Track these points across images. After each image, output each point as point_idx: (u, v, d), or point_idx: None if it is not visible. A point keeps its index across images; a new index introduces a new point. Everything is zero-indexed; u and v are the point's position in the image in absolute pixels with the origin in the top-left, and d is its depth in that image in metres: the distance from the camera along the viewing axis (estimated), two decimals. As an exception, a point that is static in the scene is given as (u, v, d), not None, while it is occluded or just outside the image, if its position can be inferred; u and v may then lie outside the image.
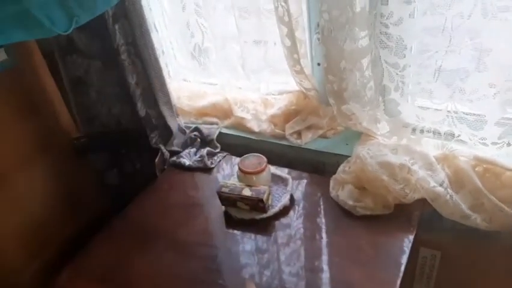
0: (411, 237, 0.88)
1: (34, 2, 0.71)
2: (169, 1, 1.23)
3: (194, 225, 1.02)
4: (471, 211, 0.86)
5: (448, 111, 0.90)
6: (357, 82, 0.95)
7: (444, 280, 1.16)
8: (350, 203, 0.96)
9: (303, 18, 1.00)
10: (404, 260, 0.84)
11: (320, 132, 1.15)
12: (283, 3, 0.94)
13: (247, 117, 1.23)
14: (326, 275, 0.85)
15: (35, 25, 0.77)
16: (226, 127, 1.29)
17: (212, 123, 1.31)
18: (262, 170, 1.02)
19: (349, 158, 1.04)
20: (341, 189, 1.00)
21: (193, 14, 1.18)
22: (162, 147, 1.26)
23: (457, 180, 0.91)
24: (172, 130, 1.26)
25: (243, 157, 1.07)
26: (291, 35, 0.99)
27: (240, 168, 1.04)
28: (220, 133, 1.29)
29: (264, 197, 0.97)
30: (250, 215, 1.00)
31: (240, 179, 1.05)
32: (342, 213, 0.97)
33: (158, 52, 1.17)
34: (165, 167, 1.26)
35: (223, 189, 1.01)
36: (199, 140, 1.29)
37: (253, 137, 1.22)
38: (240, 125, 1.25)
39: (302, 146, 1.14)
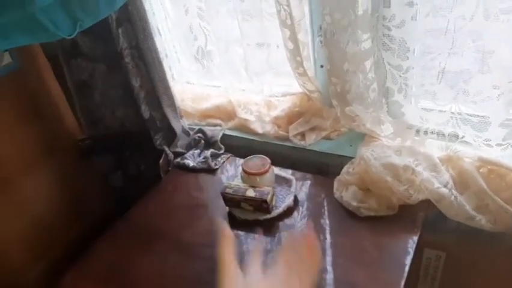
0: (416, 238, 0.88)
1: (38, 7, 0.72)
2: (172, 5, 1.23)
3: (198, 226, 1.03)
4: (476, 212, 0.86)
5: (452, 113, 0.90)
6: (360, 84, 0.95)
7: (448, 281, 1.16)
8: (354, 204, 0.96)
9: (306, 21, 1.00)
10: (408, 261, 0.84)
11: (324, 133, 1.15)
12: (285, 7, 0.94)
13: (251, 119, 1.23)
14: (329, 276, 0.85)
15: (39, 29, 0.78)
16: (230, 129, 1.30)
17: (216, 125, 1.32)
18: (266, 171, 1.03)
19: (353, 160, 1.04)
20: (345, 191, 1.00)
21: (196, 17, 1.18)
22: (166, 149, 1.27)
23: (462, 182, 0.91)
24: (176, 132, 1.26)
25: (247, 158, 1.07)
26: (293, 37, 0.99)
27: (243, 170, 1.04)
28: (223, 135, 1.29)
29: (268, 198, 0.97)
30: (254, 216, 1.00)
31: (243, 180, 1.06)
32: (346, 214, 0.97)
33: (162, 55, 1.17)
34: (169, 168, 1.27)
35: (227, 190, 1.02)
36: (203, 141, 1.30)
37: (256, 139, 1.23)
38: (243, 127, 1.26)
39: (306, 148, 1.14)
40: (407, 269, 0.82)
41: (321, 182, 1.09)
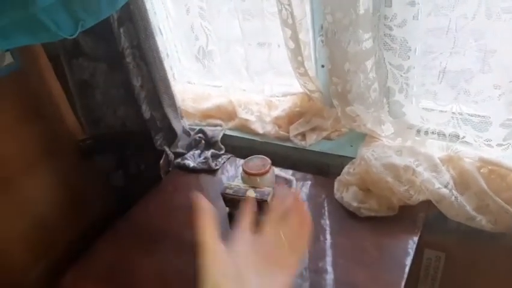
0: (416, 238, 0.88)
1: (40, 7, 0.72)
2: (174, 4, 1.23)
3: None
4: (476, 213, 0.86)
5: (453, 113, 0.90)
6: (361, 84, 0.95)
7: (449, 282, 1.16)
8: (355, 204, 0.96)
9: (307, 21, 1.00)
10: (408, 261, 0.84)
11: (324, 133, 1.15)
12: (287, 6, 0.94)
13: (252, 119, 1.23)
14: (330, 276, 0.85)
15: (41, 29, 0.78)
16: (231, 129, 1.30)
17: (216, 125, 1.32)
18: (267, 172, 1.03)
19: (353, 160, 1.04)
20: (346, 191, 1.00)
21: (197, 17, 1.18)
22: (167, 149, 1.27)
23: (462, 182, 0.90)
24: (177, 132, 1.26)
25: (247, 159, 1.07)
26: (294, 37, 0.99)
27: (244, 170, 1.04)
28: (224, 135, 1.29)
29: (269, 199, 0.97)
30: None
31: (244, 180, 1.05)
32: (346, 215, 0.97)
33: (163, 55, 1.17)
34: (170, 168, 1.27)
35: (228, 191, 1.01)
36: (203, 141, 1.30)
37: (257, 139, 1.23)
38: (244, 127, 1.26)
39: (306, 148, 1.14)
40: (407, 269, 0.82)
41: (321, 183, 1.09)
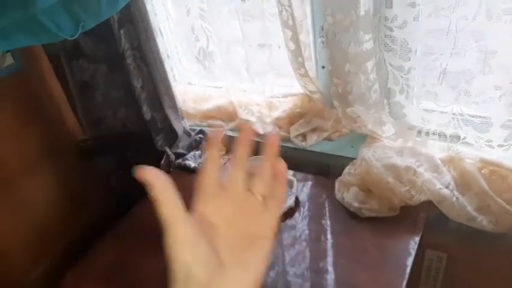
0: (417, 239, 0.88)
1: (41, 8, 0.72)
2: (174, 6, 1.23)
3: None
4: (477, 213, 0.86)
5: (454, 114, 0.90)
6: (361, 85, 0.95)
7: (450, 282, 1.16)
8: (355, 205, 0.96)
9: (307, 22, 1.00)
10: (409, 262, 0.84)
11: (325, 134, 1.15)
12: (287, 7, 0.94)
13: (252, 120, 1.23)
14: (331, 277, 0.85)
15: (41, 30, 0.78)
16: (231, 130, 1.30)
17: (217, 126, 1.32)
18: (267, 173, 1.03)
19: (354, 160, 1.04)
20: (346, 191, 1.00)
21: (197, 18, 1.18)
22: (167, 150, 1.27)
23: (463, 183, 0.90)
24: (178, 133, 1.26)
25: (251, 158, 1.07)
26: (295, 38, 0.99)
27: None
28: (225, 136, 1.29)
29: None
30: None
31: (245, 181, 1.05)
32: (347, 215, 0.97)
33: (164, 56, 1.17)
34: (171, 169, 1.27)
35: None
36: (204, 142, 1.30)
37: (258, 140, 1.22)
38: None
39: (307, 149, 1.14)
40: (408, 270, 0.82)
41: (322, 183, 1.09)
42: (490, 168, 0.90)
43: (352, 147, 1.11)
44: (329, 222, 0.98)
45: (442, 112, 0.92)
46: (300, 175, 1.12)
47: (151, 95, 1.21)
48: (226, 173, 0.40)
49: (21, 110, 1.14)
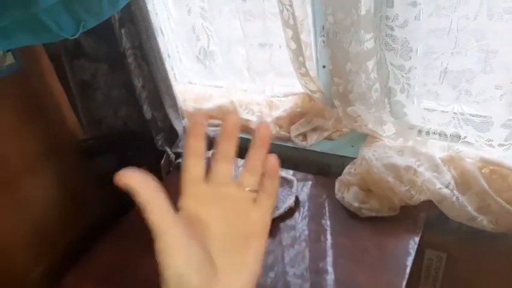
0: (417, 239, 0.88)
1: (42, 7, 0.72)
2: (175, 5, 1.23)
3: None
4: (477, 213, 0.86)
5: (454, 113, 0.90)
6: (362, 84, 0.95)
7: (450, 282, 1.16)
8: (356, 204, 0.96)
9: (308, 21, 1.00)
10: (409, 261, 0.84)
11: (325, 134, 1.15)
12: (288, 7, 0.94)
13: (253, 119, 1.23)
14: (330, 277, 0.85)
15: (42, 29, 0.78)
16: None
17: (217, 126, 1.32)
18: (268, 172, 1.03)
19: (354, 160, 1.04)
20: (347, 191, 1.00)
21: (198, 17, 1.18)
22: (168, 150, 1.27)
23: (463, 182, 0.90)
24: (178, 132, 1.26)
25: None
26: (296, 38, 0.99)
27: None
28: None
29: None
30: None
31: (245, 181, 1.05)
32: (347, 215, 0.97)
33: (164, 55, 1.18)
34: (171, 169, 1.27)
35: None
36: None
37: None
38: (245, 127, 1.26)
39: (307, 148, 1.14)
40: (408, 269, 0.82)
41: (322, 183, 1.09)
42: (491, 167, 0.90)
43: (352, 146, 1.11)
44: (328, 222, 0.98)
45: (443, 111, 0.92)
46: (300, 175, 1.12)
47: (151, 94, 1.21)
48: (212, 167, 0.37)
49: (22, 110, 1.14)
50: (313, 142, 1.14)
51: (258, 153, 0.39)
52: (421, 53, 0.89)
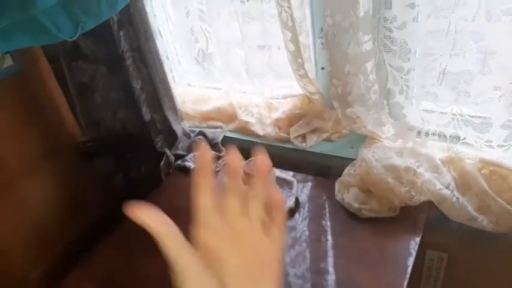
0: (418, 239, 0.88)
1: (40, 9, 0.72)
2: (173, 7, 1.24)
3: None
4: (478, 213, 0.86)
5: (453, 114, 0.90)
6: (361, 86, 0.95)
7: (451, 282, 1.16)
8: (356, 205, 0.96)
9: (307, 23, 1.00)
10: (410, 262, 0.84)
11: (325, 135, 1.15)
12: (286, 9, 0.94)
13: (252, 121, 1.23)
14: (331, 277, 0.85)
15: (41, 31, 0.78)
16: (231, 131, 1.30)
17: (216, 127, 1.32)
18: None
19: (354, 161, 1.04)
20: (346, 192, 1.00)
21: (197, 19, 1.18)
22: (167, 151, 1.27)
23: (463, 183, 0.91)
24: (177, 134, 1.26)
25: (248, 160, 1.07)
26: (294, 39, 0.99)
27: (244, 172, 1.04)
28: (224, 137, 1.29)
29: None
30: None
31: (245, 182, 1.05)
32: (347, 216, 0.97)
33: (163, 58, 1.18)
34: (170, 170, 1.27)
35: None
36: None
37: (257, 141, 1.23)
38: (244, 129, 1.26)
39: (307, 150, 1.14)
40: (409, 270, 0.82)
41: (322, 184, 1.09)
42: (490, 168, 0.90)
43: (352, 148, 1.11)
44: (329, 223, 0.98)
45: (442, 113, 0.93)
46: (300, 176, 1.12)
47: (150, 96, 1.21)
48: (222, 200, 0.39)
49: (20, 111, 1.13)
50: (312, 143, 1.14)
51: (260, 182, 0.40)
52: (420, 55, 0.89)
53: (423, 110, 0.96)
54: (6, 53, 1.07)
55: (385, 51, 0.91)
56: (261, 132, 1.22)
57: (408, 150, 0.98)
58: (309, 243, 0.93)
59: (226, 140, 1.29)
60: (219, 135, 1.29)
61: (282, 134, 1.19)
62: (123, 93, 1.23)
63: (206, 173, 0.39)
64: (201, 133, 1.31)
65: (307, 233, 0.96)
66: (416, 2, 0.81)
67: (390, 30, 0.87)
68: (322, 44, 1.03)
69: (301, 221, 0.99)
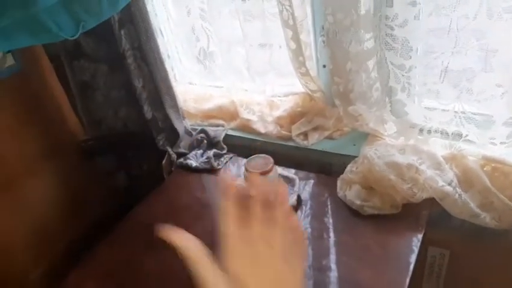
0: (420, 236, 0.88)
1: (41, 8, 0.72)
2: (174, 6, 1.24)
3: (202, 225, 1.03)
4: (480, 210, 0.87)
5: (455, 112, 0.90)
6: (363, 83, 0.95)
7: (453, 279, 1.16)
8: (358, 202, 0.96)
9: (308, 21, 1.00)
10: (412, 259, 0.84)
11: (327, 133, 1.15)
12: (287, 7, 0.94)
13: (253, 119, 1.23)
14: (333, 274, 0.85)
15: (42, 30, 0.78)
16: (232, 129, 1.30)
17: (218, 125, 1.32)
18: (269, 171, 1.03)
19: (356, 159, 1.04)
20: (349, 189, 1.00)
21: (198, 18, 1.18)
22: (169, 149, 1.27)
23: (466, 180, 0.91)
24: (179, 132, 1.27)
25: (250, 158, 1.07)
26: (296, 38, 0.99)
27: (246, 169, 1.04)
28: (226, 135, 1.29)
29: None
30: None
31: (247, 180, 1.06)
32: (349, 213, 0.97)
33: (164, 56, 1.18)
34: (172, 168, 1.27)
35: (231, 191, 1.01)
36: (205, 141, 1.30)
37: (259, 139, 1.23)
38: (246, 127, 1.26)
39: (309, 147, 1.14)
40: (411, 267, 0.82)
41: (324, 181, 1.09)
42: (493, 165, 0.90)
43: (354, 145, 1.11)
44: (331, 220, 0.98)
45: (444, 110, 0.93)
46: (301, 174, 1.12)
47: (151, 94, 1.21)
48: (247, 227, 0.42)
49: (21, 110, 1.13)
50: (314, 141, 1.14)
51: (282, 211, 0.44)
52: (421, 53, 0.89)
53: (425, 107, 0.97)
54: (8, 52, 1.07)
55: (387, 49, 0.91)
56: (262, 130, 1.22)
57: (411, 147, 0.98)
58: (311, 240, 0.94)
59: (228, 138, 1.29)
60: (220, 133, 1.29)
61: (283, 132, 1.19)
62: (124, 92, 1.23)
63: (231, 200, 0.43)
64: (203, 131, 1.31)
65: (309, 230, 0.96)
66: (417, 0, 0.81)
67: (392, 28, 0.87)
68: (323, 42, 1.03)
69: (303, 218, 1.00)
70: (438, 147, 0.97)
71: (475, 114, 0.89)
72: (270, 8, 1.03)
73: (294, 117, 1.19)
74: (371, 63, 0.92)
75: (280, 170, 1.11)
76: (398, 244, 0.88)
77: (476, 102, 0.87)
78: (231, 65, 1.20)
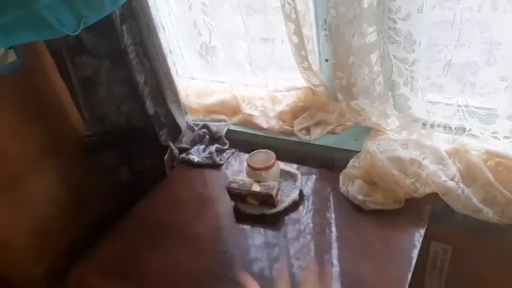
0: (422, 231, 0.88)
1: (43, 3, 0.72)
2: (176, 1, 1.23)
3: (204, 220, 1.03)
4: (483, 205, 0.86)
5: (459, 106, 0.90)
6: (366, 77, 0.94)
7: (455, 274, 1.16)
8: (360, 197, 0.96)
9: (310, 15, 0.99)
10: (415, 254, 0.84)
11: (329, 128, 1.14)
12: (290, 1, 0.94)
13: (256, 114, 1.23)
14: (336, 269, 0.85)
15: (43, 26, 0.78)
16: (235, 124, 1.30)
17: (220, 121, 1.32)
18: (271, 166, 1.03)
19: (359, 153, 1.04)
20: (351, 184, 1.00)
21: (199, 13, 1.18)
22: (171, 145, 1.27)
23: (469, 175, 0.90)
24: (181, 127, 1.27)
25: (252, 153, 1.07)
26: (298, 32, 0.98)
27: (248, 164, 1.04)
28: (228, 130, 1.29)
29: (274, 193, 0.97)
30: (259, 210, 1.00)
31: (249, 175, 1.06)
32: (352, 208, 0.97)
33: (166, 51, 1.17)
34: (174, 164, 1.27)
35: (233, 185, 1.02)
36: (207, 137, 1.30)
37: (261, 134, 1.23)
38: (248, 122, 1.26)
39: (311, 142, 1.14)
40: (414, 262, 0.82)
41: (326, 176, 1.09)
42: (496, 159, 0.90)
43: (356, 140, 1.10)
44: (333, 215, 0.98)
45: (447, 104, 0.92)
46: (304, 169, 1.12)
47: (154, 89, 1.21)
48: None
49: (24, 107, 1.14)
50: (316, 136, 1.14)
51: None
52: (424, 46, 0.88)
53: (429, 101, 0.96)
54: (10, 48, 1.07)
55: (389, 43, 0.90)
56: (265, 125, 1.21)
57: (413, 142, 0.98)
58: (313, 235, 0.94)
59: (230, 133, 1.29)
60: (222, 128, 1.29)
61: (286, 127, 1.18)
62: (127, 87, 1.23)
63: None
64: (205, 126, 1.31)
65: (311, 225, 0.96)
66: (420, -7, 0.80)
67: (395, 21, 0.86)
68: (326, 36, 1.02)
69: (305, 213, 1.00)
70: (442, 142, 0.96)
71: (478, 108, 0.88)
72: (272, 2, 1.03)
73: (296, 112, 1.18)
74: (373, 57, 0.92)
75: (282, 165, 1.11)
76: (401, 239, 0.88)
77: (479, 96, 0.86)
78: (233, 60, 1.20)
